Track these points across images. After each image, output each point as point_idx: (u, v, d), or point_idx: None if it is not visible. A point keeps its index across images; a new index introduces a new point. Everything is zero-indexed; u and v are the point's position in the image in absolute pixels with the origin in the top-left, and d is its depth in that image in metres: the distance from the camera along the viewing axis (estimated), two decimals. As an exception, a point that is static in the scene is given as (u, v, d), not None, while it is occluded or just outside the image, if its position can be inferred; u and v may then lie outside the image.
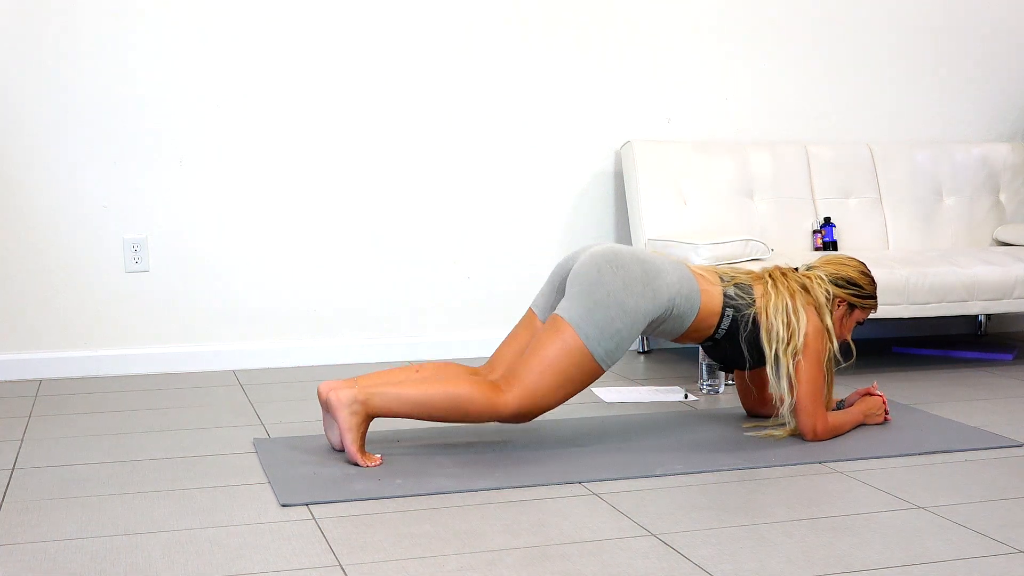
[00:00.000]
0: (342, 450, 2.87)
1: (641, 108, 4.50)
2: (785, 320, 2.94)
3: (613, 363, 2.86)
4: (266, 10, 4.10)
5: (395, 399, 2.77)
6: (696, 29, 4.53)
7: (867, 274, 3.13)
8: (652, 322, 2.89)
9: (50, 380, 3.96)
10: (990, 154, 4.78)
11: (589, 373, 2.84)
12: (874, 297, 3.13)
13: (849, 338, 3.13)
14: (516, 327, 3.04)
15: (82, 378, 4.00)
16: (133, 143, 4.02)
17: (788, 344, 2.93)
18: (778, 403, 2.99)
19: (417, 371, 2.99)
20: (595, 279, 2.82)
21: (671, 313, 2.90)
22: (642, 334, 2.94)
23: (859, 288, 3.10)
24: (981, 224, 4.70)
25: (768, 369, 2.96)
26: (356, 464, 2.76)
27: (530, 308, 3.04)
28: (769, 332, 2.95)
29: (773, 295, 2.97)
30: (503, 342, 3.04)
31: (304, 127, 4.17)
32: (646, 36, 4.48)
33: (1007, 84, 4.93)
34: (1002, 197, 4.77)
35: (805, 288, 3.01)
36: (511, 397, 2.80)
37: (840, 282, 3.08)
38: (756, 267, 3.89)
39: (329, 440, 2.93)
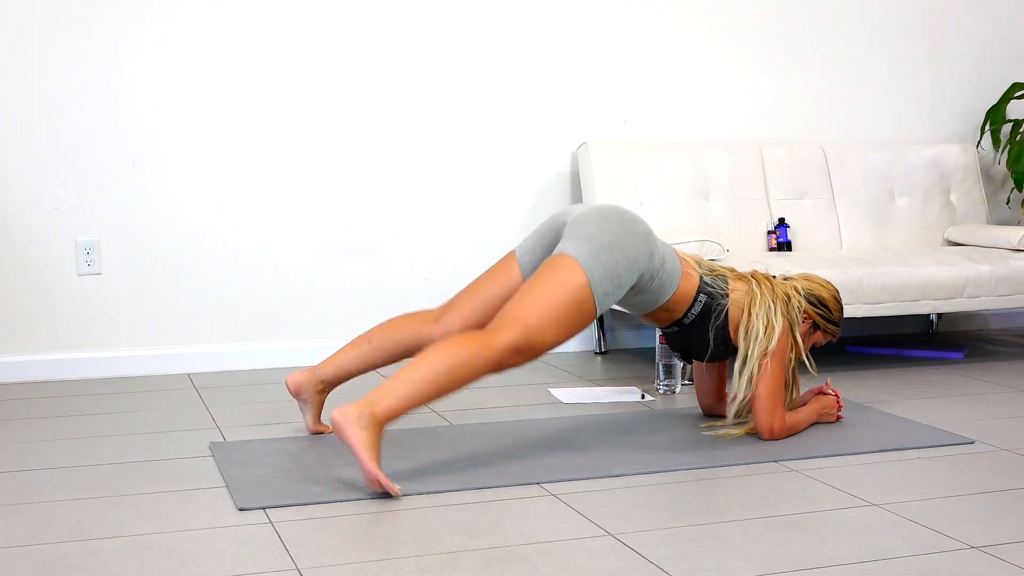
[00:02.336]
0: (316, 432, 2.96)
1: (597, 109, 4.51)
2: (765, 321, 2.97)
3: (604, 309, 2.83)
4: (219, 9, 4.07)
5: (403, 394, 2.53)
6: (652, 31, 4.55)
7: (838, 300, 3.19)
8: (640, 278, 2.88)
9: (1, 384, 3.91)
10: (941, 156, 4.84)
11: (586, 314, 2.77)
12: (838, 325, 3.18)
13: (805, 357, 3.13)
14: (490, 271, 3.00)
15: (34, 382, 3.95)
16: (84, 144, 3.98)
17: (762, 345, 2.95)
18: (731, 400, 3.02)
19: (369, 341, 2.99)
20: (602, 225, 2.82)
21: (655, 277, 2.91)
22: (620, 304, 2.95)
23: (827, 311, 3.15)
24: (933, 224, 4.76)
25: (736, 364, 2.99)
26: (378, 487, 2.52)
27: (512, 252, 3.02)
28: (748, 329, 2.97)
29: (759, 294, 3.00)
30: (470, 286, 3.00)
31: (258, 128, 4.15)
32: (602, 37, 4.49)
33: (958, 87, 5.01)
34: (953, 198, 4.83)
35: (788, 297, 3.05)
36: (506, 336, 2.65)
37: (812, 299, 3.13)
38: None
39: (306, 425, 3.09)
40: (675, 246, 3.93)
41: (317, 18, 4.17)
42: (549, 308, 2.71)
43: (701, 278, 3.01)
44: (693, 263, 3.05)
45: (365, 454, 2.47)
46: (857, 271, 4.00)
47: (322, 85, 4.20)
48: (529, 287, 2.75)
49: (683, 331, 3.07)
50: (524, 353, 2.68)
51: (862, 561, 2.15)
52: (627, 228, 2.85)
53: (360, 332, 4.29)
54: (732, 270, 3.12)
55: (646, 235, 2.89)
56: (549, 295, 2.72)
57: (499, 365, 2.66)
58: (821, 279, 3.21)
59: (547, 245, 2.98)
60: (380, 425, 2.52)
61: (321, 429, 3.12)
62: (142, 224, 4.06)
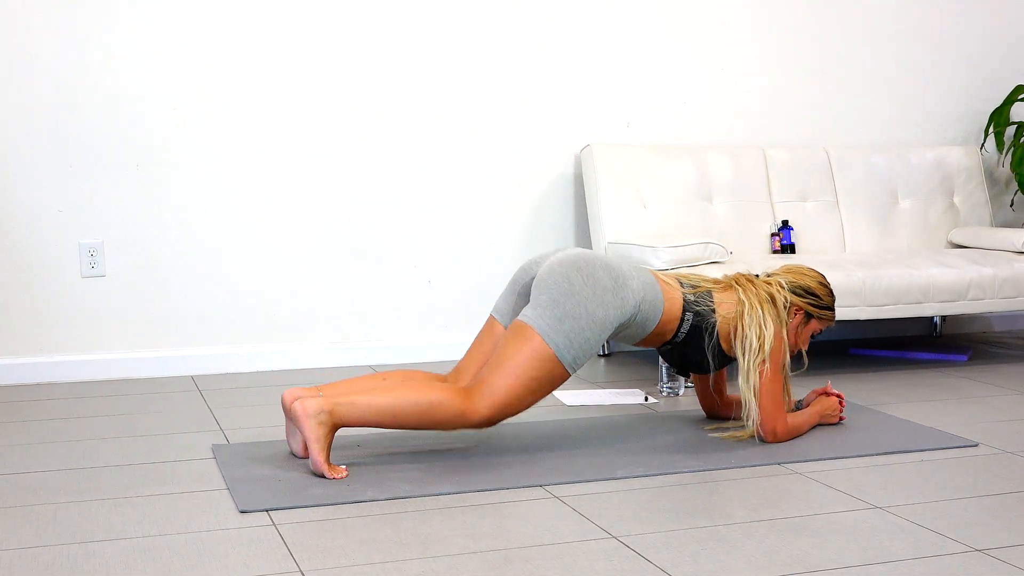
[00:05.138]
0: (304, 457, 2.86)
1: (600, 112, 4.51)
2: (757, 332, 2.96)
3: (579, 368, 2.87)
4: (222, 13, 4.07)
5: (363, 408, 2.71)
6: (655, 33, 4.55)
7: (825, 285, 3.16)
8: (617, 328, 2.91)
9: (5, 387, 3.91)
10: (944, 158, 4.84)
11: (558, 378, 2.84)
12: (831, 309, 3.16)
13: (805, 348, 3.15)
14: (479, 335, 3.03)
15: (37, 384, 3.95)
16: (88, 146, 3.98)
17: (757, 354, 2.95)
18: (747, 410, 3.00)
19: (384, 379, 2.98)
20: (565, 289, 2.81)
21: (635, 319, 2.91)
22: (607, 339, 2.95)
23: (817, 298, 3.12)
24: (936, 227, 4.76)
25: (740, 379, 2.98)
26: (322, 476, 2.70)
27: (491, 315, 3.04)
28: (743, 342, 2.97)
29: (747, 304, 2.99)
30: (467, 351, 3.03)
31: (263, 130, 4.15)
32: (605, 40, 4.49)
33: (962, 89, 5.00)
34: (956, 200, 4.83)
35: (772, 298, 3.03)
36: (481, 406, 2.77)
37: (799, 291, 3.11)
38: (715, 269, 3.92)
39: (291, 447, 2.91)
40: (677, 248, 3.94)
41: (321, 20, 4.18)
42: (521, 383, 2.80)
43: (684, 297, 3.00)
44: (674, 282, 3.03)
45: (315, 447, 2.69)
46: (860, 273, 4.00)
47: (325, 87, 4.20)
48: (500, 356, 2.82)
49: (676, 348, 3.08)
50: (496, 421, 2.83)
51: (865, 564, 2.14)
52: (591, 286, 2.83)
53: (363, 335, 4.29)
54: (715, 281, 3.09)
55: (612, 286, 2.86)
56: (518, 369, 2.79)
57: (468, 426, 2.81)
58: (804, 267, 3.19)
59: (520, 301, 2.99)
60: (336, 427, 2.72)
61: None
62: (145, 226, 4.06)
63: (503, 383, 2.79)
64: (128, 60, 3.99)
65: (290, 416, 2.78)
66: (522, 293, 2.98)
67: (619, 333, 2.96)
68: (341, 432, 3.15)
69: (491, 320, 3.03)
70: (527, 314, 2.83)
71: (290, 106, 4.17)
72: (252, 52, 4.12)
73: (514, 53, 4.39)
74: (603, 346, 4.51)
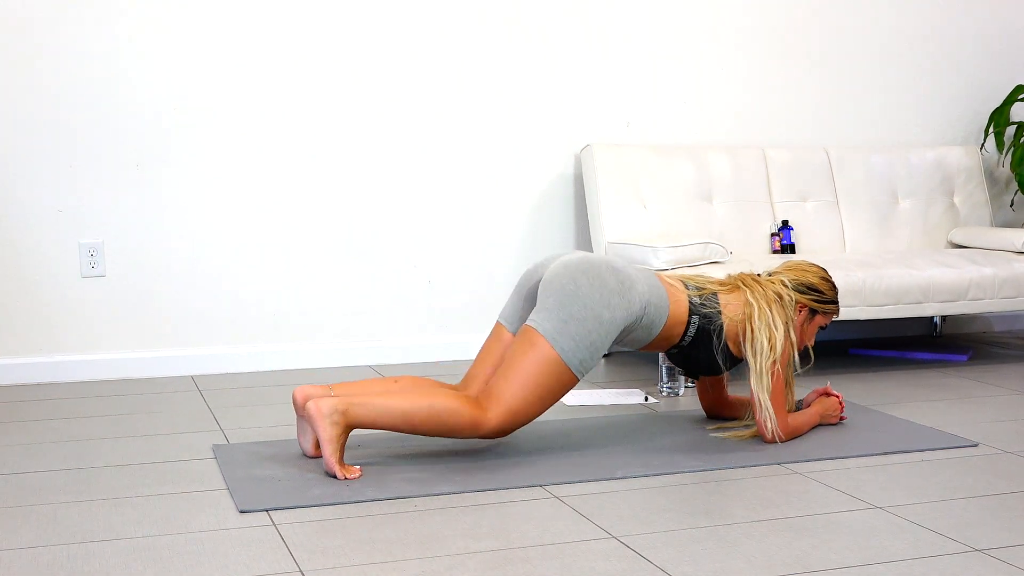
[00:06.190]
0: (314, 457, 2.86)
1: (601, 112, 4.51)
2: (768, 333, 2.96)
3: (587, 372, 2.87)
4: (222, 13, 4.07)
5: (378, 410, 2.70)
6: (655, 33, 4.55)
7: (828, 279, 3.16)
8: (624, 330, 2.90)
9: (5, 387, 3.91)
10: (944, 158, 4.84)
11: (566, 384, 2.83)
12: (835, 302, 3.16)
13: (811, 343, 3.16)
14: (487, 343, 3.01)
15: (38, 384, 3.96)
16: (88, 146, 3.98)
17: (768, 356, 2.94)
18: (760, 411, 2.99)
19: (396, 382, 2.98)
20: (571, 291, 2.81)
21: (641, 322, 2.90)
22: (613, 345, 2.94)
23: (820, 293, 3.12)
24: (936, 227, 4.76)
25: (752, 380, 2.97)
26: (334, 476, 2.69)
27: (498, 321, 3.02)
28: (753, 344, 2.96)
29: (755, 307, 2.98)
30: (476, 359, 3.02)
31: (263, 131, 4.15)
32: (605, 40, 4.50)
33: (961, 89, 5.00)
34: (956, 200, 4.83)
35: (780, 296, 3.03)
36: (492, 415, 2.77)
37: (801, 288, 3.11)
38: (715, 269, 3.92)
39: (301, 446, 2.90)
40: (678, 248, 3.94)
41: (321, 22, 4.18)
42: (530, 390, 2.79)
43: (690, 300, 2.99)
44: (679, 284, 3.02)
45: (329, 447, 2.68)
46: (860, 273, 4.00)
47: (325, 87, 4.20)
48: (509, 364, 2.81)
49: (683, 352, 3.07)
50: (507, 431, 2.82)
51: (865, 564, 2.14)
52: (597, 289, 2.82)
53: (363, 335, 4.29)
54: (720, 282, 3.09)
55: (619, 289, 2.85)
56: (526, 375, 2.79)
57: (479, 436, 2.80)
58: (805, 263, 3.19)
59: (527, 306, 2.98)
60: (349, 427, 2.70)
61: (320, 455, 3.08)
62: (145, 226, 4.06)
63: (511, 390, 2.78)
64: (128, 60, 3.99)
65: (303, 415, 2.78)
66: (527, 297, 2.97)
67: (625, 337, 2.94)
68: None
69: (498, 327, 3.01)
70: (533, 319, 2.83)
71: (290, 106, 4.17)
72: (252, 52, 4.12)
73: (514, 53, 4.39)
74: (603, 346, 4.50)
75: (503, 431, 2.80)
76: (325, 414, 2.66)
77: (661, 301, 2.93)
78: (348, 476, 2.68)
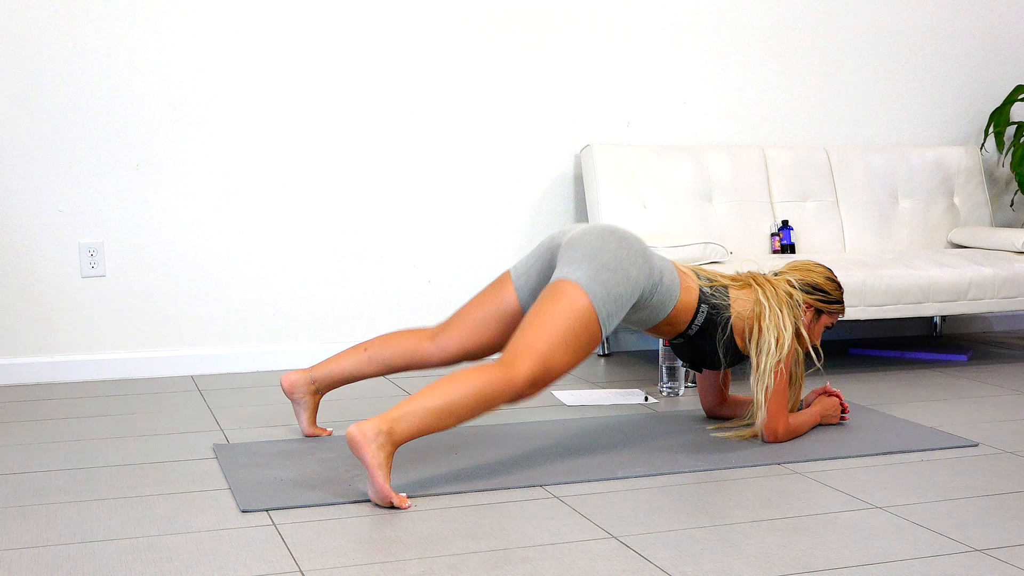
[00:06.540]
0: (311, 436, 3.03)
1: (600, 112, 4.51)
2: (776, 334, 2.95)
3: (609, 331, 2.81)
4: (222, 13, 4.07)
5: (420, 417, 2.52)
6: (655, 33, 4.56)
7: (833, 279, 3.16)
8: (640, 297, 2.87)
9: (5, 387, 3.91)
10: (944, 158, 4.84)
11: (593, 336, 2.75)
12: (841, 302, 3.16)
13: (817, 343, 3.15)
14: (485, 292, 3.01)
15: (38, 384, 3.96)
16: (89, 147, 3.98)
17: (774, 356, 2.94)
18: (757, 411, 2.99)
19: (365, 350, 3.03)
20: (600, 245, 2.80)
21: (655, 293, 2.89)
22: (623, 321, 2.93)
23: (825, 294, 3.13)
24: (936, 227, 4.76)
25: (753, 379, 2.97)
26: (390, 505, 2.50)
27: (507, 271, 3.02)
28: (759, 342, 2.96)
29: (766, 306, 2.98)
30: (468, 304, 3.02)
31: (263, 131, 4.15)
32: (605, 40, 4.50)
33: (961, 89, 5.00)
34: (956, 200, 4.83)
35: (790, 296, 3.03)
36: (523, 368, 2.63)
37: (807, 288, 3.11)
38: (716, 269, 3.91)
39: (301, 426, 3.13)
40: (678, 248, 3.94)
41: (321, 23, 4.18)
42: (558, 335, 2.68)
43: (701, 289, 2.99)
44: (691, 274, 3.02)
45: (379, 473, 2.47)
46: (860, 273, 4.00)
47: (324, 87, 4.20)
48: (535, 315, 2.72)
49: (689, 342, 3.06)
50: (540, 384, 2.67)
51: (864, 564, 2.14)
52: (624, 248, 2.82)
53: (363, 335, 4.29)
54: (732, 278, 3.09)
55: (643, 253, 2.86)
56: (556, 322, 2.69)
57: (518, 397, 2.65)
58: (810, 263, 3.19)
59: (543, 267, 2.97)
60: (396, 446, 2.51)
61: (316, 432, 3.13)
62: (146, 226, 4.06)
63: (541, 338, 2.67)
64: (128, 60, 3.99)
65: (352, 447, 2.55)
66: (547, 263, 2.96)
67: (638, 311, 2.91)
68: (338, 434, 3.15)
69: (505, 276, 3.01)
70: (562, 272, 2.78)
71: (290, 106, 4.17)
72: (252, 53, 4.12)
73: (514, 54, 4.39)
74: (603, 346, 4.51)
75: (536, 383, 2.66)
76: (370, 438, 2.46)
77: (673, 282, 2.93)
78: (403, 506, 2.50)
